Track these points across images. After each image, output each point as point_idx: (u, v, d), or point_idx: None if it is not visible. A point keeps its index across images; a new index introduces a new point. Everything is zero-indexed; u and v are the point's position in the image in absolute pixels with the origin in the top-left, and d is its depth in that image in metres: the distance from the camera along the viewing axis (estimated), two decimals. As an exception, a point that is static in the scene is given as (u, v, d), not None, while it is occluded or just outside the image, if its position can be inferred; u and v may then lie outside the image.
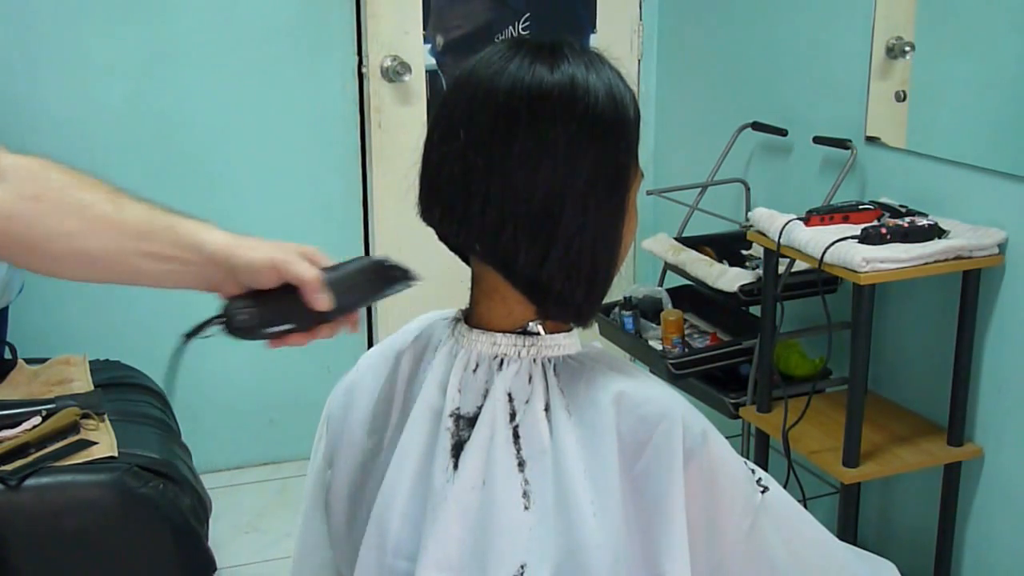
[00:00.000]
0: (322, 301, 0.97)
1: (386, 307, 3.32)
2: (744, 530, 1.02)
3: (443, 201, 0.99)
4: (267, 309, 0.98)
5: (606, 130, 0.97)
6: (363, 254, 1.04)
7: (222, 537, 2.86)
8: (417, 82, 3.23)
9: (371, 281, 1.03)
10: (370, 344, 3.29)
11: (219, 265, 0.98)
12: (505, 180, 0.95)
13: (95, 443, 2.09)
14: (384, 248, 3.29)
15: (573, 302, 1.00)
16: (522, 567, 0.97)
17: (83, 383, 2.40)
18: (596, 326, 2.79)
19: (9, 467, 1.99)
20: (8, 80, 2.90)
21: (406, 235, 3.23)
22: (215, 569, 2.21)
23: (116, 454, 2.07)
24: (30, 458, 2.03)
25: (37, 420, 2.12)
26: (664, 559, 0.96)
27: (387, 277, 1.03)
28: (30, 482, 1.98)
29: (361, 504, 1.07)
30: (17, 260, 1.01)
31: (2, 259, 1.01)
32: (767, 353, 2.38)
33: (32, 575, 2.01)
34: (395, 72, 3.18)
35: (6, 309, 2.63)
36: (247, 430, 3.32)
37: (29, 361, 2.50)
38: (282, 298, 0.98)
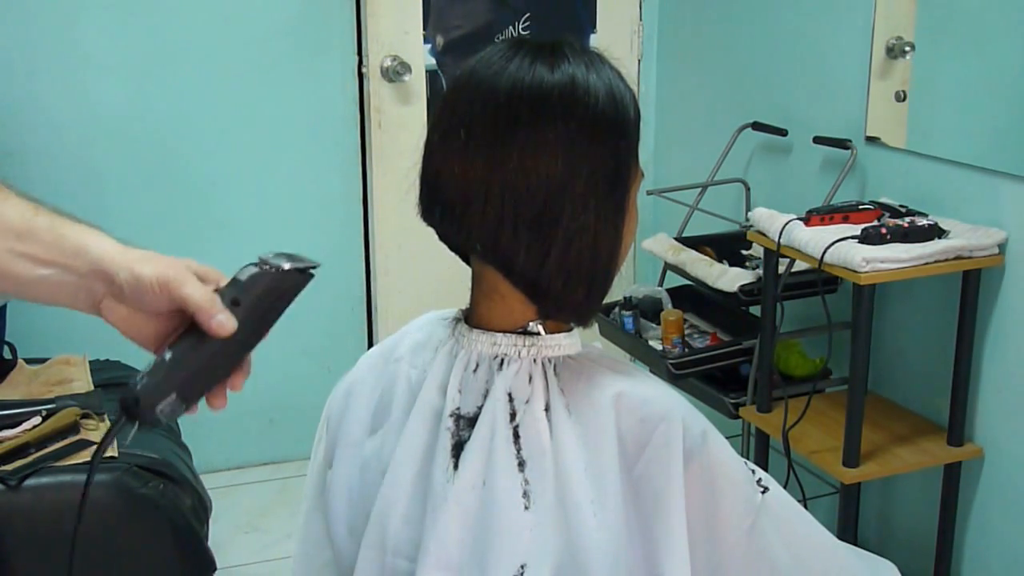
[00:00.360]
0: (222, 324, 0.85)
1: (386, 308, 3.32)
2: (744, 530, 1.02)
3: (443, 201, 0.99)
4: (152, 367, 0.85)
5: (606, 130, 0.97)
6: (277, 254, 0.89)
7: (222, 537, 2.86)
8: (417, 82, 3.23)
9: (274, 290, 0.90)
10: (370, 344, 3.29)
11: (102, 277, 0.86)
12: (505, 180, 0.95)
13: (95, 443, 2.09)
14: (384, 248, 3.29)
15: (573, 302, 1.00)
16: (522, 567, 0.97)
17: (83, 383, 2.40)
18: (596, 326, 2.79)
19: (9, 467, 1.99)
20: (7, 80, 2.90)
21: (406, 235, 3.25)
22: (215, 569, 2.21)
23: (116, 454, 2.07)
24: (30, 458, 2.02)
25: (37, 420, 2.12)
26: (664, 559, 0.96)
27: (291, 282, 0.90)
28: (30, 482, 1.98)
29: (361, 504, 1.07)
30: None
31: None
32: (767, 353, 2.38)
33: (32, 575, 2.01)
34: (395, 72, 3.18)
35: (4, 308, 2.63)
36: (247, 430, 3.32)
37: (29, 361, 2.50)
38: (186, 348, 0.86)
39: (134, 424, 0.85)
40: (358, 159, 3.26)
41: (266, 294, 0.89)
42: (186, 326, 0.86)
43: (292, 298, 0.91)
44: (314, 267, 0.91)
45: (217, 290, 0.87)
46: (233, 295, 0.87)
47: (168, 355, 0.86)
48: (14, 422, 2.11)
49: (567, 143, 0.95)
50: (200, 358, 0.86)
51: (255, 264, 0.89)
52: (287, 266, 0.89)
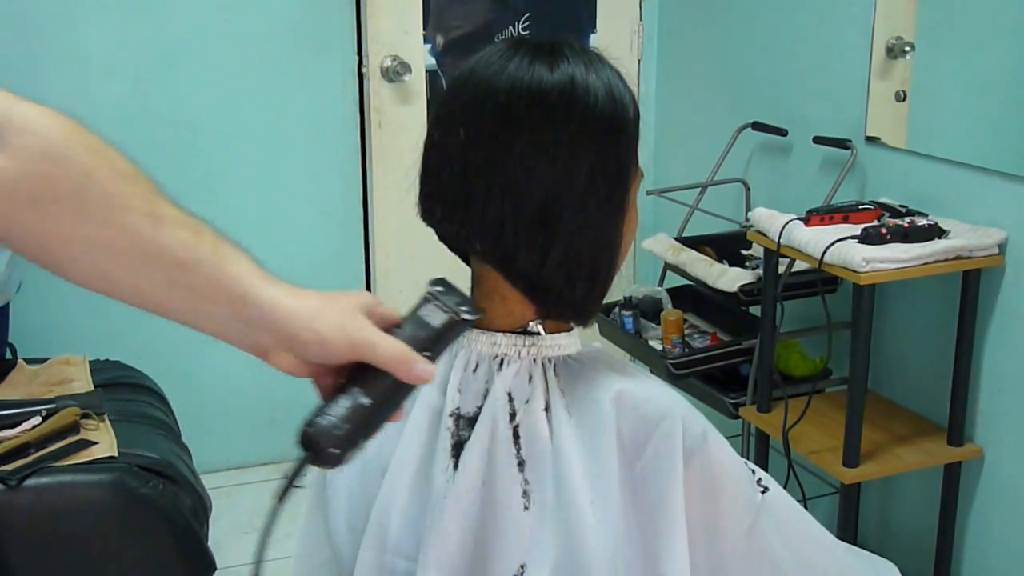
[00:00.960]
0: (423, 374, 0.83)
1: (386, 307, 3.32)
2: (744, 530, 1.02)
3: (443, 200, 0.99)
4: (348, 412, 0.81)
5: (606, 129, 0.97)
6: (445, 289, 0.90)
7: (222, 537, 2.86)
8: (417, 82, 3.23)
9: (449, 331, 0.89)
10: (370, 344, 3.28)
11: (276, 333, 0.80)
12: (505, 178, 0.95)
13: (95, 443, 2.09)
14: (384, 248, 3.29)
15: (574, 301, 1.00)
16: (522, 567, 0.97)
17: (83, 383, 2.40)
18: (596, 326, 2.79)
19: (9, 467, 1.99)
20: (8, 81, 2.88)
21: (406, 235, 3.24)
22: (215, 569, 2.21)
23: (116, 454, 2.07)
24: (30, 458, 2.02)
25: (37, 420, 2.12)
26: (664, 559, 0.96)
27: (461, 325, 0.89)
28: (30, 482, 1.98)
29: (361, 504, 1.07)
30: (18, 249, 0.80)
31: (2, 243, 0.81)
32: (767, 353, 2.38)
33: (32, 575, 2.01)
34: (395, 72, 3.18)
35: (6, 308, 2.63)
36: (247, 430, 3.32)
37: (29, 361, 2.50)
38: (357, 384, 0.82)
39: (319, 466, 0.82)
40: (358, 159, 3.26)
41: (451, 340, 0.88)
42: (358, 364, 0.83)
43: (456, 337, 0.91)
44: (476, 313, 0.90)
45: (398, 327, 0.85)
46: (421, 341, 0.85)
47: (352, 400, 0.82)
48: (14, 422, 2.11)
49: (567, 142, 0.95)
50: (382, 400, 0.83)
51: (436, 303, 0.88)
52: (468, 317, 0.88)
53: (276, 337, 0.81)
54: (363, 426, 0.82)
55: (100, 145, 0.80)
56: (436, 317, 0.87)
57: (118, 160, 0.80)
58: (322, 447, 0.80)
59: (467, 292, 0.91)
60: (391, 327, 0.85)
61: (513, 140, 0.95)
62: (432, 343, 0.86)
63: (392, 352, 0.81)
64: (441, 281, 0.90)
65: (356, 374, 0.83)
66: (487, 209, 0.96)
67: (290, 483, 0.81)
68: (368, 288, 3.35)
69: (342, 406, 0.81)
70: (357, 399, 0.82)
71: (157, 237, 0.78)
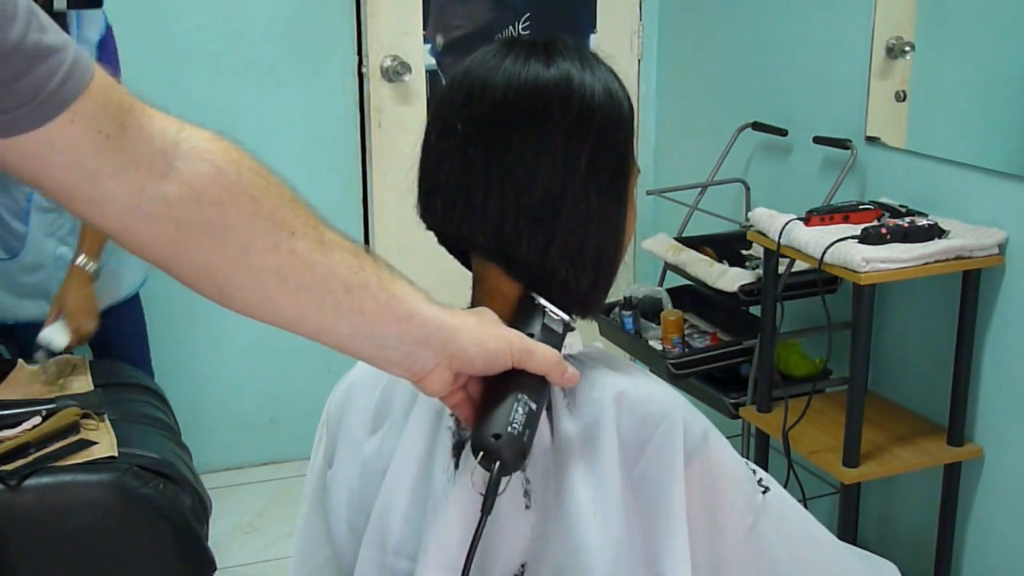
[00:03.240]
0: (572, 377, 0.90)
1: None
2: (745, 530, 1.01)
3: (444, 195, 0.99)
4: (525, 418, 0.86)
5: (603, 121, 0.97)
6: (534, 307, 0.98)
7: (222, 537, 2.86)
8: (417, 82, 3.23)
9: (564, 337, 0.97)
10: (370, 344, 3.29)
11: (440, 349, 0.83)
12: (505, 172, 0.95)
13: (95, 443, 2.09)
14: (384, 248, 3.29)
15: (579, 291, 1.00)
16: (522, 566, 0.97)
17: (83, 383, 2.40)
18: (596, 326, 2.79)
19: (9, 467, 1.99)
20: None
21: (406, 235, 3.24)
22: (215, 569, 2.21)
23: (116, 454, 2.06)
24: (30, 458, 2.02)
25: (37, 420, 2.12)
26: (665, 559, 0.96)
27: (568, 331, 0.98)
28: (30, 482, 1.98)
29: (361, 504, 1.07)
30: (182, 275, 0.80)
31: (171, 274, 0.80)
32: (767, 353, 2.38)
33: (32, 575, 2.01)
34: (395, 72, 3.18)
35: (138, 306, 2.65)
36: (247, 430, 3.32)
37: (29, 361, 2.50)
38: (507, 388, 0.87)
39: (509, 473, 0.86)
40: (358, 159, 3.26)
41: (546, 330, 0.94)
42: (500, 376, 0.88)
43: None
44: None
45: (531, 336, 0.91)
46: (555, 347, 0.92)
47: (524, 406, 0.86)
48: (14, 422, 2.11)
49: (565, 135, 0.95)
50: (542, 403, 0.90)
51: (549, 311, 0.95)
52: (574, 323, 0.97)
53: (442, 354, 0.84)
54: (533, 430, 0.87)
55: (265, 170, 0.81)
56: (557, 324, 0.95)
57: (282, 185, 0.82)
58: (513, 453, 0.84)
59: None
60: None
61: (511, 134, 0.95)
62: (559, 348, 0.93)
63: (550, 357, 0.89)
64: (533, 295, 0.96)
65: (508, 383, 0.87)
66: (487, 202, 0.96)
67: (493, 497, 0.84)
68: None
69: (519, 412, 0.85)
70: (528, 405, 0.86)
71: (325, 261, 0.80)
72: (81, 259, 2.40)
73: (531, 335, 0.91)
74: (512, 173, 0.95)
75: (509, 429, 0.84)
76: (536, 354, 0.87)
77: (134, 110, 0.76)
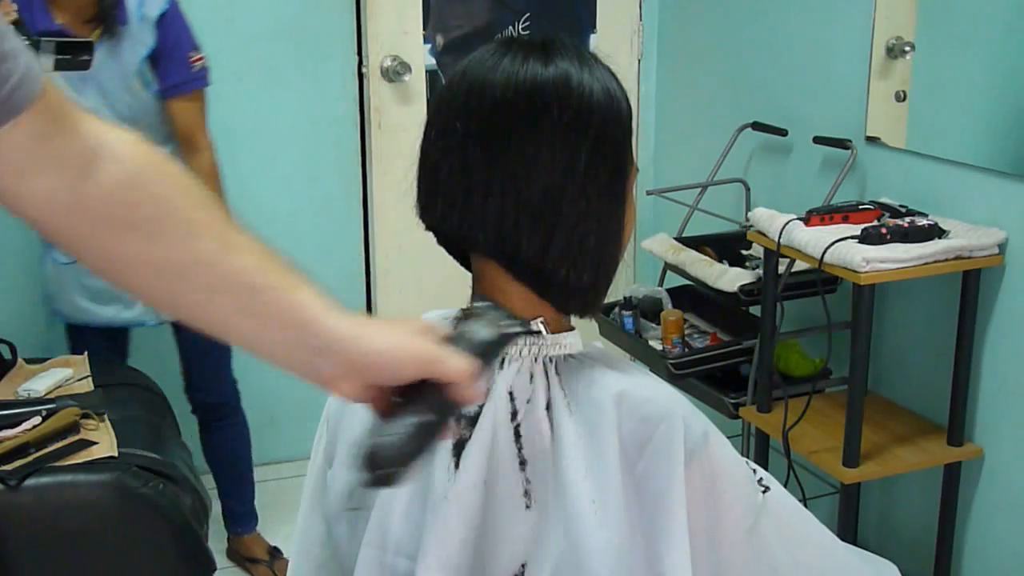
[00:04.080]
0: (477, 393, 0.86)
1: (386, 308, 3.32)
2: (745, 530, 1.02)
3: (443, 195, 0.99)
4: (413, 429, 0.83)
5: (602, 120, 0.98)
6: (488, 304, 0.96)
7: (222, 537, 2.86)
8: (417, 82, 3.23)
9: (497, 348, 0.92)
10: (370, 344, 3.29)
11: (336, 359, 0.83)
12: (505, 169, 0.96)
13: (95, 443, 2.09)
14: (384, 248, 3.29)
15: (580, 289, 1.00)
16: (522, 566, 0.97)
17: (83, 383, 2.40)
18: (596, 326, 2.79)
19: (9, 467, 1.99)
20: None
21: (406, 235, 3.24)
22: (215, 569, 2.21)
23: (116, 454, 2.07)
24: (30, 458, 2.02)
25: (37, 420, 2.12)
26: (665, 559, 0.96)
27: (508, 341, 0.93)
28: (30, 482, 1.98)
29: (361, 504, 1.07)
30: (91, 267, 0.85)
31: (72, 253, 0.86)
32: (767, 353, 2.38)
33: (32, 575, 2.01)
34: (395, 72, 3.18)
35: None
36: (247, 430, 3.31)
37: (29, 361, 2.50)
38: (418, 402, 0.84)
39: (381, 486, 0.84)
40: (358, 159, 3.26)
41: (497, 355, 0.92)
42: (413, 384, 0.84)
43: (500, 354, 0.95)
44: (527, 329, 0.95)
45: (451, 337, 0.87)
46: (471, 355, 0.86)
47: (417, 416, 0.84)
48: (14, 422, 2.11)
49: (564, 134, 0.96)
50: (443, 416, 0.85)
51: (481, 320, 0.90)
52: (513, 331, 0.91)
53: (340, 365, 0.83)
54: (427, 443, 0.84)
55: (180, 175, 0.85)
56: (484, 332, 0.89)
57: (196, 189, 0.85)
58: (382, 464, 0.82)
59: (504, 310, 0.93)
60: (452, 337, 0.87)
61: (511, 132, 0.95)
62: (483, 358, 0.87)
63: (460, 364, 0.84)
64: (482, 298, 0.93)
65: (414, 391, 0.84)
66: (487, 201, 0.96)
67: (364, 503, 0.85)
68: (368, 288, 3.35)
69: (406, 424, 0.83)
70: (423, 416, 0.83)
71: (227, 262, 0.82)
72: None
73: (453, 342, 0.87)
74: (511, 172, 0.95)
75: (388, 439, 0.82)
76: (446, 362, 0.83)
77: (67, 114, 0.81)
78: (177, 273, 0.82)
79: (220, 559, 2.26)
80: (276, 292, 0.83)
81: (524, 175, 0.95)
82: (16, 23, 2.05)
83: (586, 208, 0.97)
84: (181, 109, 2.49)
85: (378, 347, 0.83)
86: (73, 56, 2.10)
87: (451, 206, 0.99)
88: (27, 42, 2.01)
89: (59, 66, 2.10)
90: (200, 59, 2.48)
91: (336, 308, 0.84)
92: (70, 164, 0.80)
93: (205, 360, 2.70)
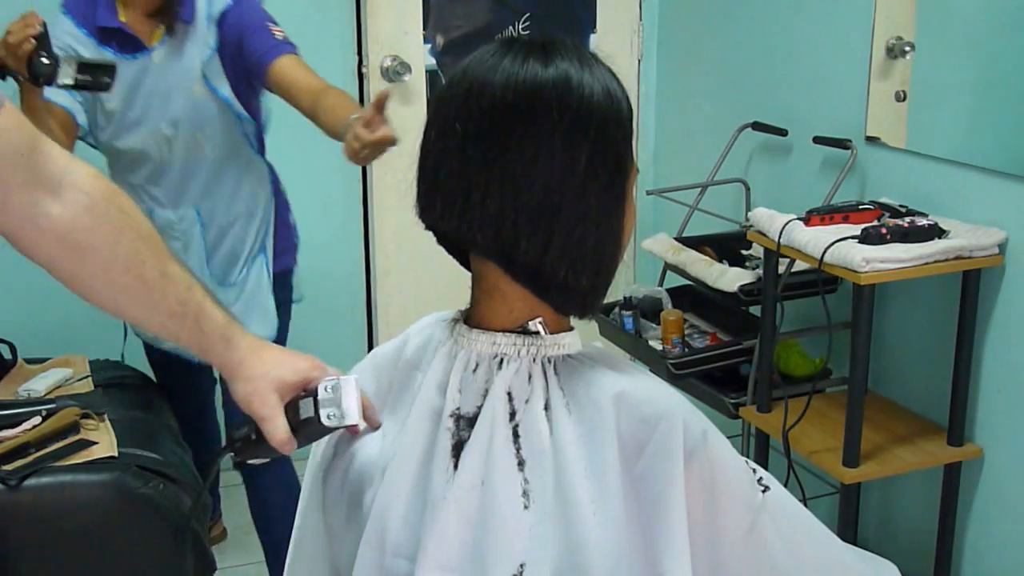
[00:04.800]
0: (282, 447, 1.07)
1: (386, 308, 3.32)
2: (745, 529, 1.02)
3: (443, 195, 0.99)
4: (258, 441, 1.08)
5: (602, 120, 0.97)
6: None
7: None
8: (417, 82, 3.23)
9: (313, 431, 1.09)
10: (370, 344, 3.29)
11: (226, 374, 1.08)
12: (504, 171, 0.95)
13: (95, 443, 2.09)
14: (384, 248, 3.29)
15: (579, 290, 1.00)
16: (522, 567, 0.97)
17: (83, 383, 2.40)
18: (596, 326, 2.79)
19: (9, 467, 1.99)
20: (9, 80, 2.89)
21: (406, 235, 3.24)
22: (215, 569, 2.21)
23: (116, 454, 2.07)
24: (30, 458, 2.02)
25: (37, 420, 2.12)
26: (665, 559, 0.96)
27: (322, 428, 1.09)
28: (30, 482, 1.98)
29: (360, 504, 1.07)
30: (55, 277, 1.04)
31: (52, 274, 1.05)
32: (767, 353, 2.38)
33: (32, 575, 2.01)
34: (395, 72, 3.18)
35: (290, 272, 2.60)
36: (247, 430, 3.31)
37: (29, 361, 2.50)
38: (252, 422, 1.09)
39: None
40: (358, 159, 3.25)
41: (316, 437, 1.11)
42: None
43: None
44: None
45: (299, 398, 1.08)
46: (302, 424, 1.07)
47: (251, 427, 1.09)
48: (14, 422, 2.11)
49: (564, 133, 0.95)
50: (263, 443, 1.09)
51: (317, 400, 1.07)
52: (328, 424, 1.07)
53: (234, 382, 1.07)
54: (254, 450, 1.10)
55: (131, 207, 1.04)
56: (307, 411, 1.07)
57: (142, 222, 1.04)
58: (231, 449, 1.12)
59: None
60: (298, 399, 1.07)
61: (510, 133, 0.95)
62: (307, 430, 1.07)
63: (276, 436, 1.06)
64: (347, 382, 1.07)
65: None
66: (487, 201, 0.96)
67: (207, 477, 1.36)
68: (368, 288, 3.35)
69: (246, 428, 1.10)
70: (251, 432, 1.09)
71: (163, 289, 1.03)
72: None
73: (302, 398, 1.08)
74: (511, 172, 0.95)
75: (236, 431, 1.12)
76: (267, 424, 1.06)
77: (39, 137, 0.99)
78: (123, 291, 1.03)
79: (220, 559, 2.26)
80: (190, 320, 1.05)
81: (524, 175, 0.95)
82: (39, 38, 2.01)
83: (586, 209, 0.97)
84: (283, 68, 2.37)
85: (239, 390, 1.06)
86: (94, 78, 2.08)
87: (450, 206, 0.99)
88: (48, 61, 2.01)
89: (79, 86, 2.08)
90: (280, 31, 2.44)
91: (239, 337, 1.07)
92: (43, 183, 0.97)
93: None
